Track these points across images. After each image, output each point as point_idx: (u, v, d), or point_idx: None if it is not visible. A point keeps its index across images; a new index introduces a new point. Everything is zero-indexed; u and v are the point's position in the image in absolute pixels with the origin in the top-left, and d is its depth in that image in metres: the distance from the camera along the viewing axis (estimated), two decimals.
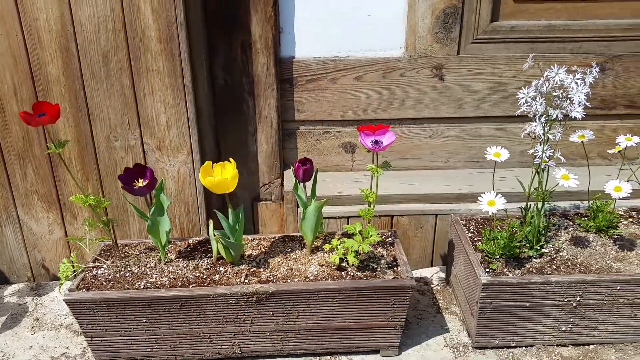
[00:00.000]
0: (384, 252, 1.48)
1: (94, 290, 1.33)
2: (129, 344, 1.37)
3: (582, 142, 1.48)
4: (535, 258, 1.43)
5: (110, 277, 1.38)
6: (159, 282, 1.35)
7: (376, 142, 1.37)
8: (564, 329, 1.41)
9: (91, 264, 1.44)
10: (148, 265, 1.43)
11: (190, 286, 1.33)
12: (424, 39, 1.70)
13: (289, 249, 1.49)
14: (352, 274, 1.37)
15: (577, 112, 1.29)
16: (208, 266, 1.42)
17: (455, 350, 1.43)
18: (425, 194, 1.76)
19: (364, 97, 1.78)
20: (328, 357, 1.41)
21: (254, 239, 1.54)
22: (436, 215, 1.75)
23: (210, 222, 1.45)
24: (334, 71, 1.74)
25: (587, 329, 1.41)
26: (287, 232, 1.76)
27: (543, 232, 1.48)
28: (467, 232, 1.56)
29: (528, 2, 1.69)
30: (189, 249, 1.51)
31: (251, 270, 1.40)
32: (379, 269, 1.39)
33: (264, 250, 1.49)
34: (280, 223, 1.84)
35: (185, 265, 1.43)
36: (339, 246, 1.38)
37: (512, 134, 1.83)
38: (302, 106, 1.78)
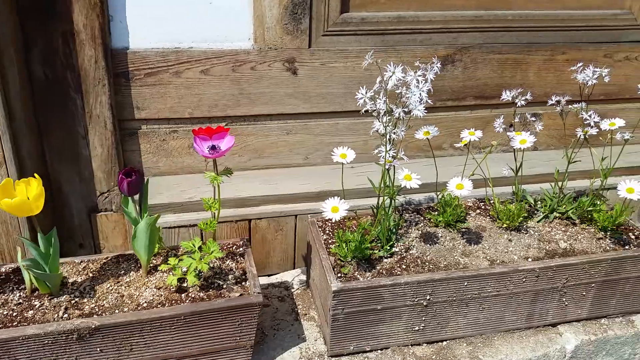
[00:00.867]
0: (233, 264, 1.36)
1: None
2: None
3: (428, 138, 1.47)
4: (386, 258, 1.40)
5: None
6: None
7: (213, 147, 1.24)
8: (417, 328, 1.40)
9: None
10: None
11: None
12: (273, 30, 1.59)
13: (123, 271, 1.32)
14: (193, 295, 1.24)
15: (419, 111, 1.26)
16: (20, 300, 1.21)
17: None
18: (284, 194, 1.68)
19: (214, 93, 1.63)
20: None
21: (80, 262, 1.35)
22: (296, 216, 1.68)
23: (19, 248, 1.23)
24: (176, 64, 1.57)
25: (439, 326, 1.42)
26: None
27: (394, 230, 1.46)
28: (322, 234, 1.49)
29: None
30: None
31: (73, 301, 1.21)
32: (225, 286, 1.28)
33: (91, 275, 1.30)
34: (125, 235, 1.65)
35: None
36: (177, 265, 1.24)
37: (370, 128, 1.78)
38: (143, 103, 1.59)
